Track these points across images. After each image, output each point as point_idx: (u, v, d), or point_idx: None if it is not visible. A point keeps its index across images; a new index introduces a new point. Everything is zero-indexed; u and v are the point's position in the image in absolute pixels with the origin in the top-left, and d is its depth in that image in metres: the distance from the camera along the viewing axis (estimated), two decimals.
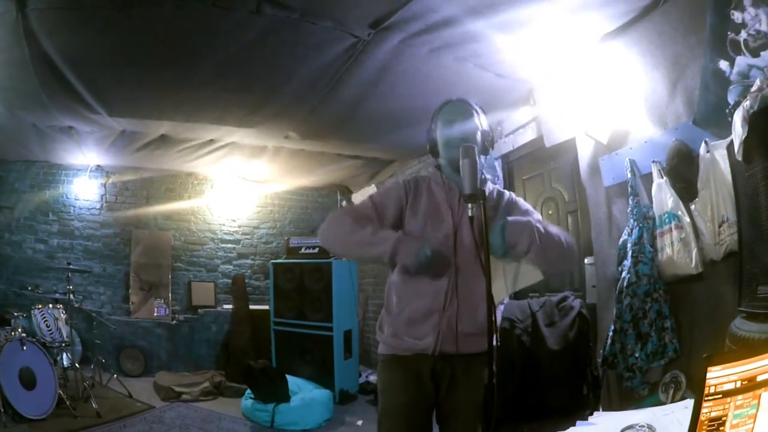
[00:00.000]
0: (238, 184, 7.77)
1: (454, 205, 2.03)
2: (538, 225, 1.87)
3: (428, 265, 1.86)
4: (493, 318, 1.64)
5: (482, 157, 2.06)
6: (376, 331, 2.19)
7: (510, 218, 1.87)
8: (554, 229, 1.95)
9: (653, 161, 2.88)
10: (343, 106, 4.58)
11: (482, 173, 2.02)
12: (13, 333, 4.50)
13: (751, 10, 2.15)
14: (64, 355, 5.07)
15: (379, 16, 3.18)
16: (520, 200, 2.17)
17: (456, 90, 3.41)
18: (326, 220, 2.13)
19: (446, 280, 1.96)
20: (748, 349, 1.59)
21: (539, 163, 4.54)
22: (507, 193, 2.18)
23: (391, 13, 3.13)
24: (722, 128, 2.31)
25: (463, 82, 3.93)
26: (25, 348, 4.36)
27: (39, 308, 5.02)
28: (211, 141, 5.91)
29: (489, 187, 2.13)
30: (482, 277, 1.70)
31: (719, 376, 1.00)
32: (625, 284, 2.92)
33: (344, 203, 8.33)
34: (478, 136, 2.08)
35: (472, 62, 3.76)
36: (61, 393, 4.48)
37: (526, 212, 2.08)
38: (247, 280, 7.63)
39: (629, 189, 3.07)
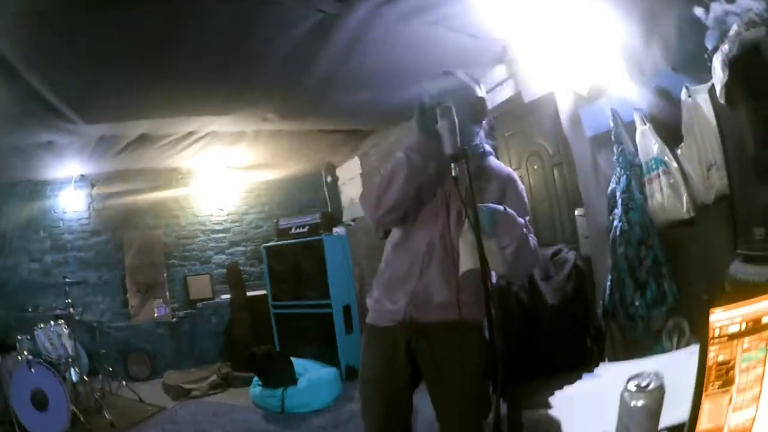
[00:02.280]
0: (222, 173, 7.70)
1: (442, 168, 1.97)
2: (528, 234, 1.90)
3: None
4: (488, 284, 1.63)
5: (473, 126, 2.08)
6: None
7: (509, 210, 1.86)
8: (533, 242, 1.94)
9: (635, 109, 2.85)
10: (318, 82, 4.49)
11: (478, 143, 2.08)
12: (19, 357, 4.51)
13: None
14: (72, 371, 5.07)
15: None
16: (524, 193, 2.13)
17: (429, 54, 3.37)
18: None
19: (426, 244, 1.96)
20: (749, 291, 1.60)
21: (519, 119, 4.50)
22: (515, 177, 2.14)
23: None
24: (701, 74, 2.28)
25: (436, 46, 3.86)
26: (33, 370, 4.36)
27: (42, 327, 5.02)
28: (191, 133, 5.84)
29: (492, 162, 2.13)
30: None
31: (723, 318, 0.99)
32: (617, 233, 2.91)
33: (329, 179, 8.29)
34: (466, 102, 2.01)
35: (443, 25, 3.69)
36: (74, 409, 4.50)
37: (524, 209, 2.05)
38: (241, 268, 7.61)
39: (613, 137, 3.03)
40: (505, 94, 4.45)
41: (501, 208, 1.84)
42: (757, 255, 1.87)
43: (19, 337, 4.91)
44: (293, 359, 5.17)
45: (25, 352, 4.58)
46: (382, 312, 2.05)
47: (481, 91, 2.13)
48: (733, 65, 1.81)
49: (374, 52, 4.03)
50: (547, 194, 4.31)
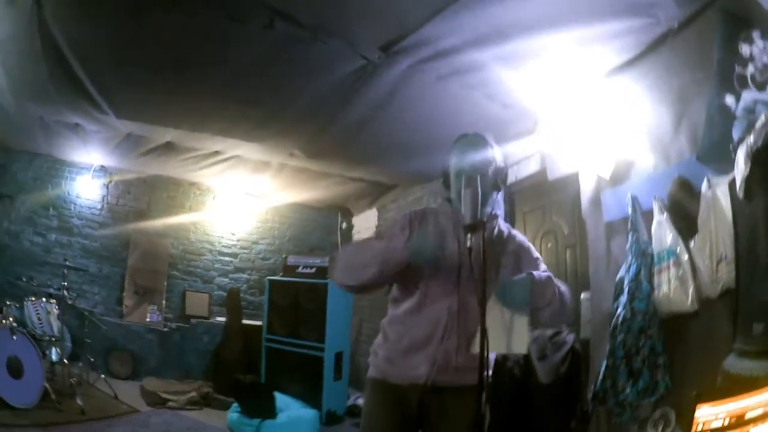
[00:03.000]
0: (240, 197, 7.79)
1: (461, 237, 1.98)
2: (557, 286, 1.95)
3: (436, 258, 1.89)
4: (485, 352, 1.64)
5: (494, 192, 2.11)
6: (370, 354, 2.19)
7: (535, 274, 1.90)
8: (563, 287, 2.00)
9: (654, 197, 2.88)
10: (349, 127, 4.60)
11: (493, 208, 2.11)
12: (4, 321, 4.48)
13: (760, 43, 2.17)
14: (54, 350, 5.05)
15: (391, 39, 3.22)
16: (531, 246, 2.20)
17: (462, 118, 3.45)
18: (332, 259, 2.18)
19: (446, 311, 1.97)
20: (739, 386, 1.59)
21: (541, 195, 4.55)
22: (518, 235, 2.20)
23: (402, 37, 3.18)
24: (725, 164, 2.31)
25: (470, 110, 3.97)
26: (15, 337, 4.36)
27: (32, 301, 5.04)
28: (216, 152, 5.95)
29: (502, 225, 2.17)
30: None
31: (708, 414, 0.99)
32: (619, 320, 2.90)
33: (344, 225, 8.33)
34: (490, 171, 2.07)
35: (479, 91, 3.80)
36: (47, 386, 4.46)
37: (537, 261, 2.12)
38: (242, 295, 7.58)
39: (629, 225, 3.06)
40: (530, 168, 4.51)
41: (528, 276, 1.87)
42: (753, 350, 1.85)
43: (7, 303, 4.93)
44: (276, 393, 5.09)
45: (11, 318, 4.56)
46: (398, 373, 2.04)
47: (503, 159, 2.18)
48: (755, 158, 1.83)
49: (409, 108, 4.12)
50: (557, 274, 4.25)
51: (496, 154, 2.13)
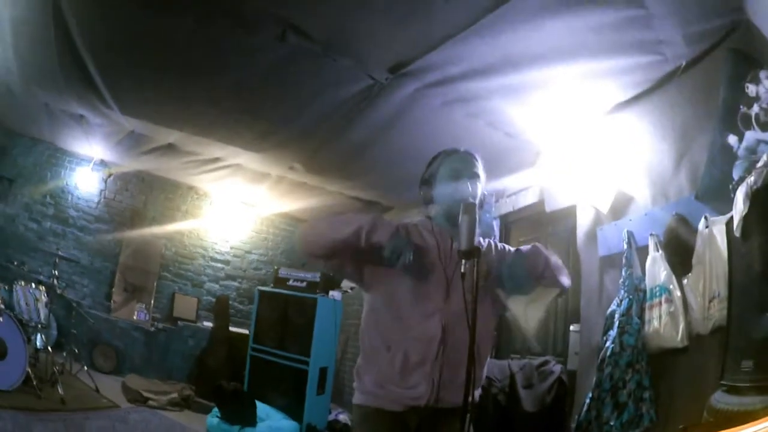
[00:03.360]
0: (236, 206, 7.80)
1: (446, 254, 1.98)
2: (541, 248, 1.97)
3: (407, 262, 1.81)
4: (472, 375, 1.61)
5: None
6: (354, 378, 2.07)
7: (520, 248, 1.97)
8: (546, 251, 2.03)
9: (651, 234, 2.91)
10: (351, 146, 4.63)
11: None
12: None
13: (767, 83, 2.20)
14: (39, 337, 5.03)
15: (400, 61, 3.26)
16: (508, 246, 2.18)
17: (464, 144, 3.49)
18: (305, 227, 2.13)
19: (440, 328, 1.89)
20: (725, 421, 1.61)
21: (538, 226, 4.59)
22: (493, 241, 2.18)
23: (411, 60, 3.22)
24: (724, 203, 2.33)
25: (473, 138, 3.96)
26: (1, 319, 4.34)
27: (21, 285, 5.02)
28: (217, 159, 5.96)
29: (481, 242, 2.10)
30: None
31: None
32: (608, 353, 2.91)
33: None
34: (479, 192, 2.06)
35: (483, 119, 3.84)
36: (30, 371, 4.44)
37: (518, 250, 2.08)
38: (231, 302, 7.55)
39: (624, 260, 3.09)
40: (528, 199, 4.56)
41: (516, 252, 1.95)
42: (741, 386, 1.87)
43: None
44: (258, 403, 5.06)
45: None
46: (393, 397, 1.92)
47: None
48: (754, 197, 1.86)
49: (412, 131, 4.14)
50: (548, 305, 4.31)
51: (483, 174, 2.11)
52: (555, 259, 1.98)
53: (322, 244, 1.98)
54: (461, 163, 2.08)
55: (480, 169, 2.10)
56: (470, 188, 2.02)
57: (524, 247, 2.00)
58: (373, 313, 2.04)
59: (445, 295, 1.93)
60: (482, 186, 2.10)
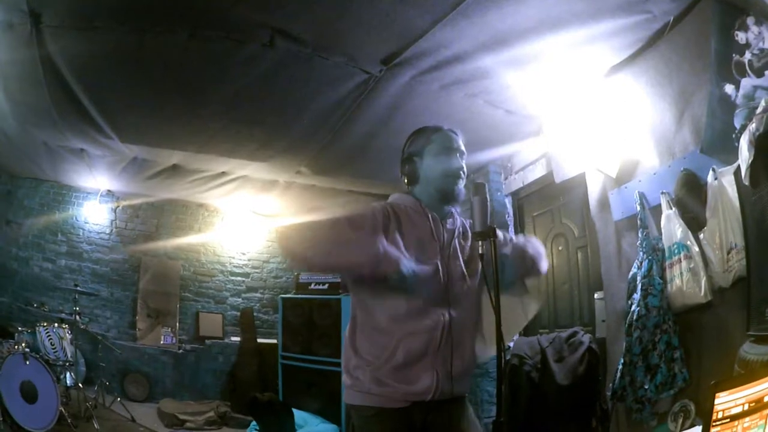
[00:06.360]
0: (248, 217, 7.81)
1: (440, 236, 1.93)
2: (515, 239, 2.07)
3: (415, 283, 1.72)
4: (502, 359, 1.60)
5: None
6: (349, 377, 1.93)
7: (508, 246, 1.98)
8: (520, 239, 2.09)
9: (662, 192, 2.90)
10: (354, 142, 4.61)
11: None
12: (16, 347, 4.46)
13: (755, 29, 2.19)
14: (68, 374, 5.05)
15: (391, 52, 3.26)
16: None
17: (466, 126, 3.48)
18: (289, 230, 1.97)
19: (441, 317, 1.83)
20: (755, 371, 1.59)
21: (549, 199, 4.57)
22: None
23: (402, 50, 3.21)
24: (730, 154, 2.31)
25: (474, 118, 3.98)
26: (27, 362, 4.33)
27: (44, 326, 5.02)
28: (223, 173, 5.94)
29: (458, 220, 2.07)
30: (473, 311, 1.82)
31: (727, 401, 1.00)
32: (634, 317, 2.90)
33: None
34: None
35: (482, 98, 3.82)
36: (63, 410, 4.44)
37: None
38: (255, 314, 7.60)
39: (638, 222, 3.08)
40: (536, 173, 4.54)
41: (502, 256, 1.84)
42: (767, 335, 1.86)
43: (19, 329, 4.93)
44: (295, 410, 5.09)
45: (23, 344, 4.52)
46: (397, 393, 1.82)
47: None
48: (759, 144, 1.84)
49: (414, 119, 4.05)
50: (569, 276, 4.31)
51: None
52: (533, 248, 2.03)
53: (323, 264, 1.99)
54: (450, 140, 2.02)
55: (463, 146, 2.05)
56: (462, 163, 1.99)
57: (510, 246, 2.00)
58: (366, 305, 1.95)
59: (444, 281, 1.87)
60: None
